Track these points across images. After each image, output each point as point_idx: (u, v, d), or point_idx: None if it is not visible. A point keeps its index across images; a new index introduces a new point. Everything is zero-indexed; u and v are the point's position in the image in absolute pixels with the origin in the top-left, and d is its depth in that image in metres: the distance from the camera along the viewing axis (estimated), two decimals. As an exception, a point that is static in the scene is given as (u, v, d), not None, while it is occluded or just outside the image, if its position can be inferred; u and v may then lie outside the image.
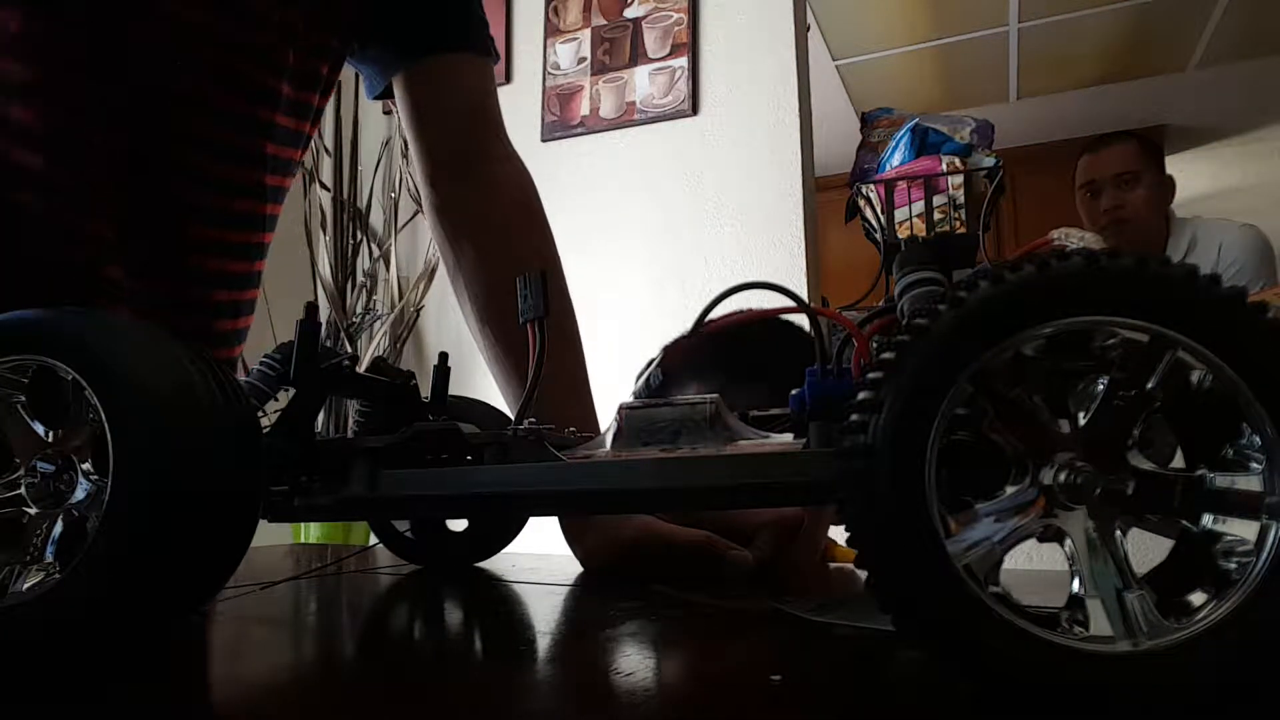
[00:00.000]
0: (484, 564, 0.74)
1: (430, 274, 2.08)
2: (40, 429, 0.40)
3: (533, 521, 0.74)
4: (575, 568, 0.72)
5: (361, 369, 0.53)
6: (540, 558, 0.79)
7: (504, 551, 0.74)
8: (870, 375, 0.30)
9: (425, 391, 0.57)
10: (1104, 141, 1.89)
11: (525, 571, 0.70)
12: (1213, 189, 4.05)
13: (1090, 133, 3.27)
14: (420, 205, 2.08)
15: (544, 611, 0.53)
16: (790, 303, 0.44)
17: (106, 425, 0.35)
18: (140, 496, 0.35)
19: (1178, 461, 0.31)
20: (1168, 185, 1.85)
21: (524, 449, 0.44)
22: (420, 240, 2.17)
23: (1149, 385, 0.29)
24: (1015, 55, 3.33)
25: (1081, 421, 0.30)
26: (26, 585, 0.37)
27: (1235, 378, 0.28)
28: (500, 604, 0.57)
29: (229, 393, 0.40)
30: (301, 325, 0.47)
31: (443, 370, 0.56)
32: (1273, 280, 1.73)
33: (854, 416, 0.29)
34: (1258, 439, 0.28)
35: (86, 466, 0.39)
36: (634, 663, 0.37)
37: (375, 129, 2.25)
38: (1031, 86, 3.59)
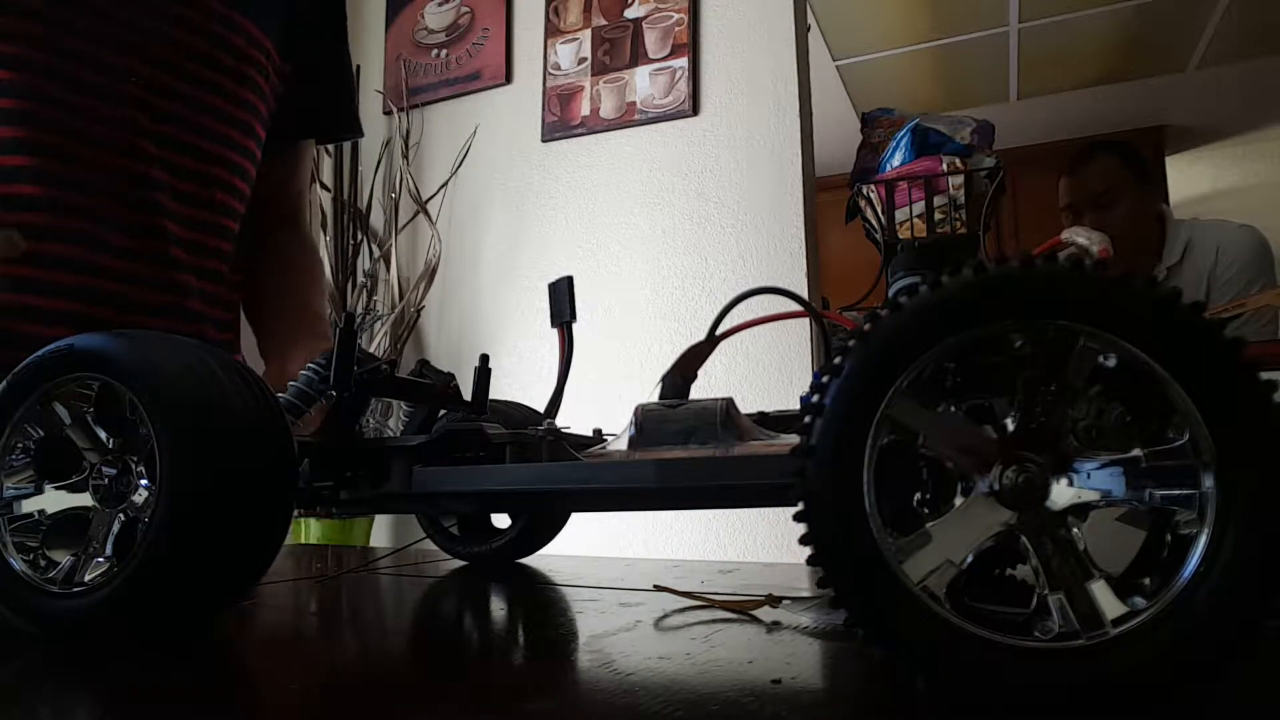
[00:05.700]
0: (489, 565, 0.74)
1: (430, 274, 2.08)
2: (104, 436, 0.44)
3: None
4: (584, 569, 0.72)
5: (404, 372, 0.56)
6: (574, 559, 0.79)
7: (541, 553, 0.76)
8: (819, 378, 0.30)
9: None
10: (1081, 161, 1.82)
11: (526, 573, 0.70)
12: (1213, 189, 4.05)
13: (1090, 133, 3.27)
14: (420, 205, 2.08)
15: (540, 611, 0.53)
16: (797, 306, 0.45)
17: (155, 443, 0.40)
18: (182, 506, 0.39)
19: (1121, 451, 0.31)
20: (1154, 194, 1.81)
21: (543, 448, 0.47)
22: (420, 240, 2.17)
23: (1069, 378, 0.30)
24: (1015, 55, 3.33)
25: (1012, 425, 0.31)
26: (89, 576, 0.42)
27: (1147, 359, 0.28)
28: (498, 605, 0.57)
29: (261, 403, 0.43)
30: (340, 334, 0.50)
31: (484, 372, 0.59)
32: (1272, 281, 1.72)
33: (805, 419, 0.31)
34: (1177, 415, 0.28)
35: (142, 469, 0.43)
36: (634, 663, 0.37)
37: (375, 130, 2.25)
38: (1031, 86, 3.59)
